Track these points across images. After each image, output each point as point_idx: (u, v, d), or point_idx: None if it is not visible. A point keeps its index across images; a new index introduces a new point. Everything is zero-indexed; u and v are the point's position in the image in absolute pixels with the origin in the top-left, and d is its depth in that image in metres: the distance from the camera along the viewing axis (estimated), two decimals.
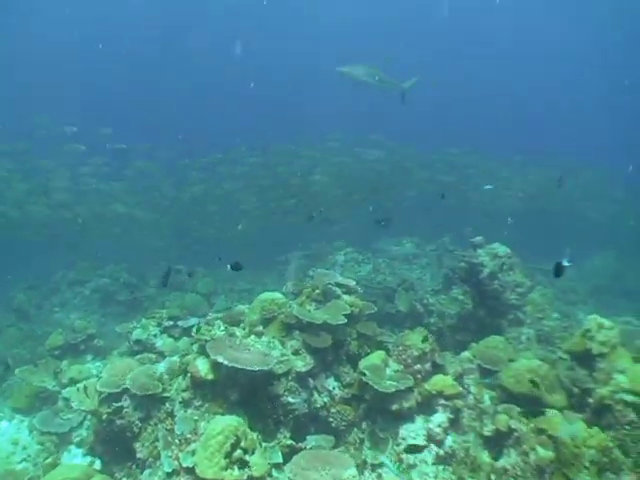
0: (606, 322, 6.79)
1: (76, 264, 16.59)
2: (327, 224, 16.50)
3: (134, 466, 6.35)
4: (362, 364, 7.15)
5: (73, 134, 17.68)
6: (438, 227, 17.73)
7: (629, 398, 5.73)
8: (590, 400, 6.21)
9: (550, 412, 5.83)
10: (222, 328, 7.21)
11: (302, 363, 7.02)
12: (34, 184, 17.64)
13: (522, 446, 5.64)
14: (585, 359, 6.73)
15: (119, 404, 6.63)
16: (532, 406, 6.12)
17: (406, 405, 6.69)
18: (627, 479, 4.65)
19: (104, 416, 6.61)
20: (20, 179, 17.42)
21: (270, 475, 5.79)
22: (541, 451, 5.50)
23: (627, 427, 5.29)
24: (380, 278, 12.58)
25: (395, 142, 22.21)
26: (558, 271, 6.67)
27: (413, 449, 6.36)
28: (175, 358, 7.13)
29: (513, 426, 5.82)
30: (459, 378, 6.99)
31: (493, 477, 5.60)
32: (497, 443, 6.00)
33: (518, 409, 6.06)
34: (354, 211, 19.48)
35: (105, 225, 19.58)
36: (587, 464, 4.89)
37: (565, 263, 6.51)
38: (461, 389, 6.77)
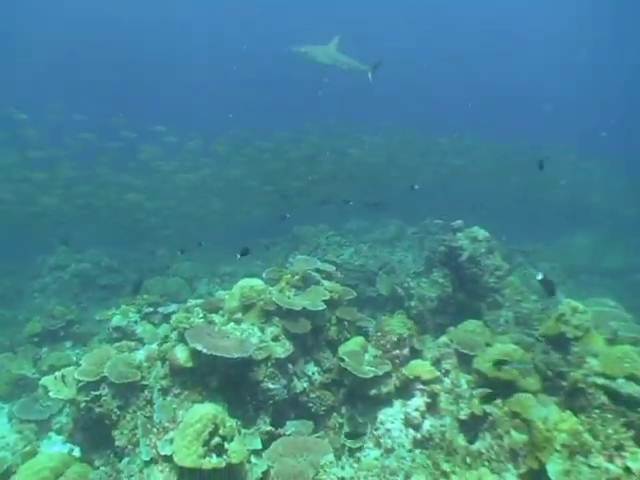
0: (580, 306, 6.90)
1: (56, 249, 16.43)
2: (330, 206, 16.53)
3: (113, 454, 6.37)
4: (341, 350, 7.21)
5: (83, 122, 17.46)
6: (426, 210, 17.73)
7: (600, 381, 5.84)
8: (564, 383, 6.33)
9: (523, 396, 5.94)
10: (201, 315, 7.19)
11: (281, 349, 7.04)
12: (48, 176, 17.24)
13: (497, 430, 5.75)
14: (560, 343, 6.85)
15: (97, 392, 6.62)
16: (507, 390, 6.22)
17: (384, 390, 6.77)
18: (595, 461, 4.75)
19: (82, 404, 6.60)
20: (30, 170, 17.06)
21: (249, 461, 5.83)
22: (515, 435, 5.61)
23: (597, 410, 5.40)
24: (362, 261, 12.64)
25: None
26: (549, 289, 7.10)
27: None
28: (154, 346, 7.12)
29: (488, 410, 5.92)
30: (437, 363, 7.07)
31: (468, 460, 5.70)
32: (473, 427, 6.10)
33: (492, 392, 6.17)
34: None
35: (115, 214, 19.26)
36: (558, 447, 4.98)
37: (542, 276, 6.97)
38: (438, 374, 6.86)
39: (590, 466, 4.76)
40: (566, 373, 6.37)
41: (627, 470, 4.70)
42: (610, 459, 4.77)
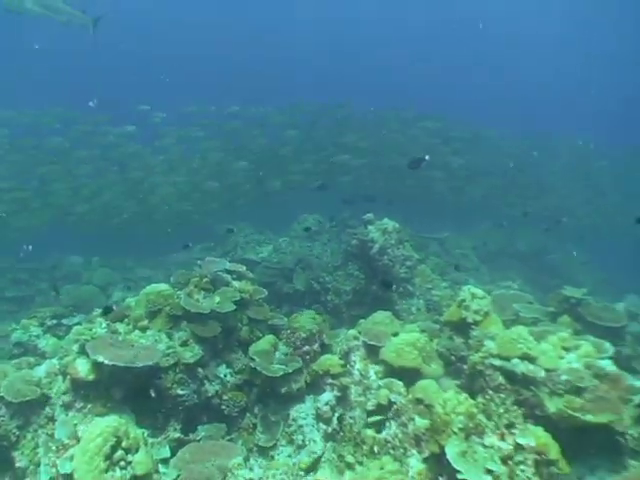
0: (479, 291, 7.22)
1: None
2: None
3: (14, 477, 6.08)
4: (252, 349, 7.19)
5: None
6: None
7: (497, 362, 6.13)
8: (465, 367, 6.60)
9: (426, 382, 6.14)
10: (104, 325, 6.97)
11: (190, 354, 6.94)
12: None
13: (401, 417, 5.90)
14: (461, 328, 7.14)
15: None
16: (412, 378, 6.41)
17: (295, 387, 6.81)
18: (489, 441, 4.97)
19: None
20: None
21: (157, 472, 5.72)
22: (419, 420, 5.79)
23: (490, 391, 5.66)
24: (279, 258, 12.64)
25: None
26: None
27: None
28: (54, 360, 6.83)
29: (393, 399, 6.07)
30: (346, 356, 7.16)
31: (376, 449, 5.82)
32: (380, 416, 6.24)
33: (399, 382, 6.34)
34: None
35: None
36: (456, 430, 5.17)
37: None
38: (347, 367, 6.96)
39: (484, 446, 4.97)
40: (467, 357, 6.65)
41: (518, 446, 4.95)
42: (502, 437, 5.01)
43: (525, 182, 20.42)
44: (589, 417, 5.55)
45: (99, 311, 7.82)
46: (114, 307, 7.25)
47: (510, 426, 5.08)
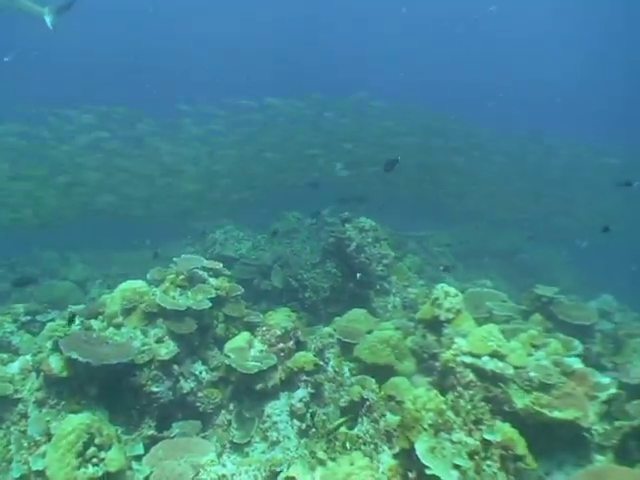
0: (452, 290, 7.33)
1: None
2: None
3: None
4: (227, 346, 7.23)
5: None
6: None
7: (468, 360, 6.24)
8: (437, 364, 6.71)
9: (398, 379, 6.23)
10: (77, 322, 6.95)
11: (165, 350, 6.95)
12: None
13: (373, 414, 5.99)
14: (434, 326, 7.25)
15: None
16: (385, 375, 6.51)
17: (270, 384, 6.87)
18: (457, 437, 5.08)
19: None
20: None
21: (130, 468, 5.75)
22: (390, 417, 5.88)
23: (460, 388, 5.77)
24: (257, 255, 12.65)
25: None
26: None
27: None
28: (28, 357, 6.81)
29: (365, 396, 6.15)
30: (320, 353, 7.24)
31: (348, 445, 5.89)
32: (353, 413, 6.32)
33: (371, 379, 6.43)
34: None
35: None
36: (426, 426, 5.27)
37: None
38: (322, 364, 7.03)
39: (452, 441, 5.07)
40: (439, 354, 6.76)
41: (485, 442, 5.07)
42: (469, 433, 5.12)
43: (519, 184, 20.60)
44: (556, 413, 5.69)
45: (71, 309, 7.82)
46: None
47: (477, 422, 5.20)
